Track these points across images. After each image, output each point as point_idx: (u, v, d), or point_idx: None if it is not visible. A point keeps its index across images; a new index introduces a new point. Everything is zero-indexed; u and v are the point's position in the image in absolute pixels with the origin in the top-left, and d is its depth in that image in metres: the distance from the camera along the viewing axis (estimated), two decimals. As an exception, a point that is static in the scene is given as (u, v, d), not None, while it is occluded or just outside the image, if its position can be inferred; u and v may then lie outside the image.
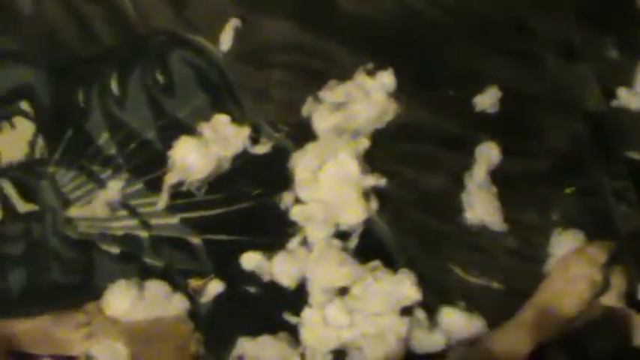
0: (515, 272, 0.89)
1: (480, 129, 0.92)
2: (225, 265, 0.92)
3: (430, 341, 0.87)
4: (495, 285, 0.89)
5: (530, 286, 0.88)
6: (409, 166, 0.92)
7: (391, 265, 0.90)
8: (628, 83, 0.93)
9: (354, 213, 0.89)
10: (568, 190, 0.91)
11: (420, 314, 0.88)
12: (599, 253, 0.86)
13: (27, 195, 0.96)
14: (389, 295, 0.87)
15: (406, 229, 0.91)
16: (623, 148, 0.92)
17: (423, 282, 0.88)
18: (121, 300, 0.90)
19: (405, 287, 0.87)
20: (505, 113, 0.93)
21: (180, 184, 0.94)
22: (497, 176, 0.91)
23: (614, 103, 0.93)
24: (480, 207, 0.90)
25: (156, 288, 0.91)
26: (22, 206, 0.96)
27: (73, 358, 0.91)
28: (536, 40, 0.94)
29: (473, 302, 0.88)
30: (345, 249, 0.90)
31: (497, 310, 0.88)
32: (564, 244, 0.87)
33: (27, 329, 0.91)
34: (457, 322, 0.87)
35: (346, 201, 0.89)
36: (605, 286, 0.85)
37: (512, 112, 0.93)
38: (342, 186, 0.90)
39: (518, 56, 0.95)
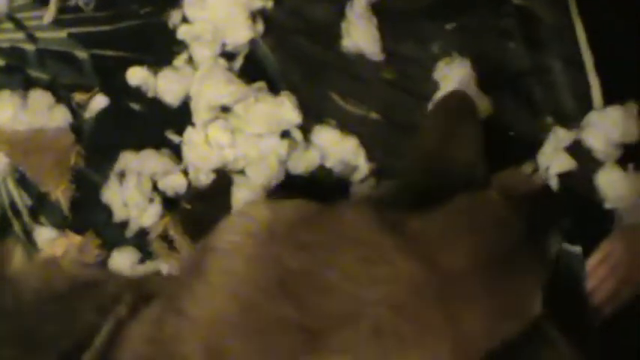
0: (393, 103, 0.89)
1: (365, -41, 0.93)
2: (111, 81, 0.91)
3: (306, 160, 0.88)
4: (373, 115, 0.89)
5: (407, 118, 0.88)
6: (295, -6, 0.93)
7: (273, 89, 0.89)
8: None
9: (241, 33, 0.88)
10: (448, 26, 0.90)
11: (297, 135, 0.88)
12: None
13: None
14: (270, 117, 0.87)
15: (289, 55, 0.90)
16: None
17: (302, 107, 0.88)
18: (3, 109, 0.88)
19: (286, 110, 0.87)
20: (392, -54, 0.94)
21: (68, -3, 0.94)
22: (377, 8, 0.90)
23: (498, -54, 0.95)
24: (358, 36, 0.89)
25: (39, 98, 0.89)
26: None
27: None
28: None
29: (349, 129, 0.88)
30: (230, 69, 0.89)
31: (373, 139, 0.88)
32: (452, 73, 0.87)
33: None
34: (331, 141, 0.88)
35: (233, 21, 0.88)
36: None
37: (399, -54, 0.94)
38: (229, 6, 0.88)
39: None
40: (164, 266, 0.87)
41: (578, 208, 0.87)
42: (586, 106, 0.88)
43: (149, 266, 0.87)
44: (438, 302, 0.57)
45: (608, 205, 0.85)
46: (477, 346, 0.58)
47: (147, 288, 0.78)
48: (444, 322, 0.57)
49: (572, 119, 0.88)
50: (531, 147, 0.87)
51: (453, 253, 0.60)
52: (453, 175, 0.69)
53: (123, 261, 0.87)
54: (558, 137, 0.86)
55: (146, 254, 0.88)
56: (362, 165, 0.88)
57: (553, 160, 0.86)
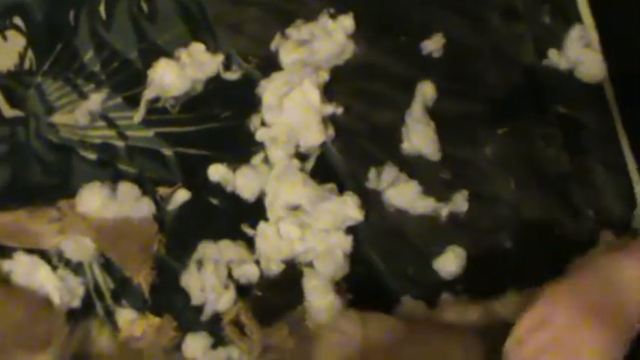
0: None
1: (424, 71, 0.95)
2: (193, 177, 0.93)
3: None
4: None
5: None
6: (361, 100, 0.95)
7: (341, 187, 0.91)
8: (558, 46, 0.96)
9: (314, 136, 0.91)
10: (500, 131, 0.94)
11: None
12: None
13: (14, 101, 0.96)
14: (336, 214, 0.90)
15: (355, 157, 0.93)
16: (551, 102, 0.95)
17: (366, 205, 0.91)
18: (94, 198, 0.91)
19: (350, 208, 0.90)
20: (448, 59, 0.96)
21: (156, 100, 0.95)
22: (436, 114, 0.93)
23: (545, 61, 0.96)
24: (417, 139, 0.92)
25: (127, 190, 0.92)
26: (9, 111, 0.96)
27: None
28: (484, 2, 0.98)
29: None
30: (302, 169, 0.92)
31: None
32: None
33: (3, 222, 0.91)
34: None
35: (307, 125, 0.91)
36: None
37: (454, 59, 0.96)
38: (304, 112, 0.91)
39: (466, 14, 0.97)
40: (235, 353, 0.87)
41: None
42: (629, 205, 0.91)
43: (221, 353, 0.87)
44: None
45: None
46: None
47: None
48: None
49: (615, 219, 0.91)
50: (576, 246, 0.86)
51: None
52: None
53: (196, 345, 0.88)
54: (606, 242, 0.87)
55: (218, 339, 0.88)
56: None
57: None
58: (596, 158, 0.93)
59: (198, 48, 0.96)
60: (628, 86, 0.95)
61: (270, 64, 0.95)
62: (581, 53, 0.96)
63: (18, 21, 0.98)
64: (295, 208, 0.90)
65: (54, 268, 0.90)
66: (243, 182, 0.91)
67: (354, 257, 0.90)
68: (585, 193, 0.92)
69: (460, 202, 0.91)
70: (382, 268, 0.89)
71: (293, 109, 0.91)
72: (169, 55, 0.96)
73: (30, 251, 0.90)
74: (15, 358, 0.81)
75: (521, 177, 0.93)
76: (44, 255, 0.91)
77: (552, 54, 0.96)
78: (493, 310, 0.79)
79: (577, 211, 0.91)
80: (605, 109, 0.95)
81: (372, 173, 0.91)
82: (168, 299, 0.90)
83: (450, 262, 0.89)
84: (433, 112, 0.94)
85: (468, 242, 0.89)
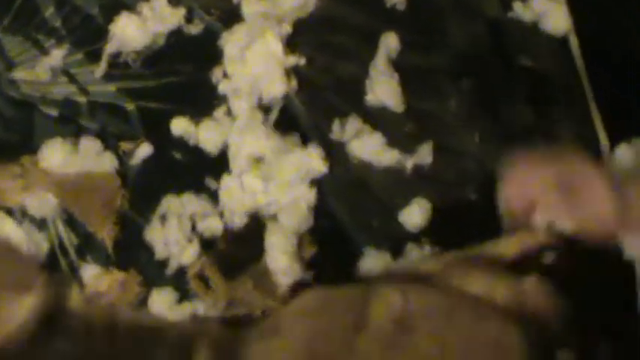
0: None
1: (388, 23, 0.94)
2: (155, 131, 0.92)
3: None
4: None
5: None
6: (325, 53, 0.94)
7: (304, 139, 0.91)
8: (522, -2, 0.97)
9: (276, 87, 0.91)
10: (464, 84, 0.92)
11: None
12: None
13: (-28, 57, 0.97)
14: (299, 166, 0.89)
15: (319, 109, 0.92)
16: (516, 55, 0.94)
17: (330, 157, 0.90)
18: (56, 154, 0.90)
19: (314, 160, 0.89)
20: (412, 12, 0.95)
21: (117, 55, 0.95)
22: (400, 66, 0.92)
23: (510, 14, 0.95)
24: (380, 90, 0.91)
25: (89, 145, 0.91)
26: (-32, 67, 0.96)
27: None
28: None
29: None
30: (265, 121, 0.91)
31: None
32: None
33: (-34, 180, 0.92)
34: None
35: (270, 76, 0.91)
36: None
37: (419, 11, 0.95)
38: (266, 63, 0.91)
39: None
40: (200, 306, 0.87)
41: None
42: (594, 157, 0.90)
43: (186, 307, 0.87)
44: None
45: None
46: None
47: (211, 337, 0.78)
48: None
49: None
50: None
51: None
52: None
53: (162, 300, 0.87)
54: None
55: (183, 293, 0.88)
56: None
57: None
58: (561, 111, 0.92)
59: (160, 2, 0.95)
60: (593, 38, 0.95)
61: (232, 17, 0.94)
62: (546, 5, 0.95)
63: (-24, -24, 0.99)
64: (258, 160, 0.90)
65: (18, 224, 0.90)
66: (206, 135, 0.90)
67: (318, 210, 0.89)
68: (550, 145, 0.91)
69: (425, 155, 0.90)
70: (347, 221, 0.88)
71: (255, 61, 0.91)
72: (131, 9, 0.95)
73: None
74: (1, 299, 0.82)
75: (486, 130, 0.91)
76: (8, 212, 0.90)
77: (517, 6, 0.95)
78: (522, 294, 0.77)
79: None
80: (571, 62, 0.94)
81: (335, 125, 0.91)
82: (132, 254, 0.90)
83: (415, 215, 0.88)
84: (397, 65, 0.93)
85: (433, 194, 0.88)
